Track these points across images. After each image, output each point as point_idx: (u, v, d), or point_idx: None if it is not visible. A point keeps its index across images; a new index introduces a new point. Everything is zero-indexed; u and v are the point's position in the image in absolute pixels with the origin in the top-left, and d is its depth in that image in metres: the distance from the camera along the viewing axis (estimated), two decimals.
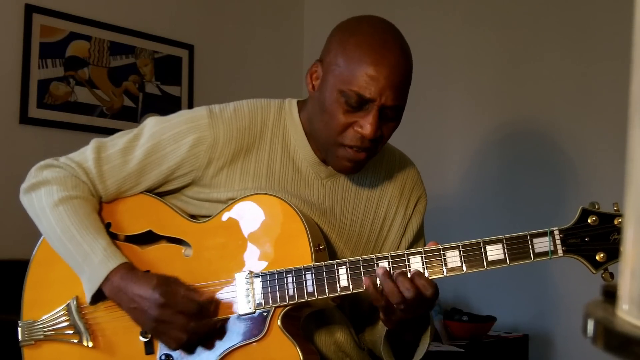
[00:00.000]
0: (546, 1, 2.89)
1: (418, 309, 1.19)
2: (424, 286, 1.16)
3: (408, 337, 1.30)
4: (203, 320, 1.24)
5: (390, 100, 1.23)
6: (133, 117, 3.09)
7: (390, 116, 1.26)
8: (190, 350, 1.28)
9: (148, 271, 1.32)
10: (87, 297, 1.30)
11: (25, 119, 2.76)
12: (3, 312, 1.78)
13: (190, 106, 3.22)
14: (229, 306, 1.28)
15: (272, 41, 3.62)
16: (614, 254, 1.16)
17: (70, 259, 1.31)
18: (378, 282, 1.18)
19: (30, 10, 2.79)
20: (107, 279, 1.26)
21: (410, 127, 3.14)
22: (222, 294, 1.28)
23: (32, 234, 1.39)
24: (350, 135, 1.26)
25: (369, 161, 1.33)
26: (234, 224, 1.30)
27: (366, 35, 1.25)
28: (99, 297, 1.29)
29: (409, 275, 1.18)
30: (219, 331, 1.27)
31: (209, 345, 1.27)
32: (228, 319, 1.28)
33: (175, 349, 1.26)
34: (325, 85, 1.27)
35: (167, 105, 3.17)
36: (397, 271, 1.18)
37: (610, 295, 0.50)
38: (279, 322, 1.24)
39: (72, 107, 2.90)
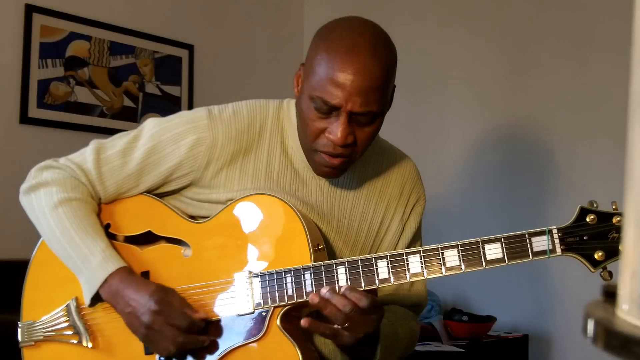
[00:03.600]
0: (546, 2, 2.89)
1: (361, 327, 1.17)
2: (358, 299, 1.16)
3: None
4: (192, 336, 1.24)
5: (357, 106, 1.20)
6: (133, 117, 3.09)
7: (363, 122, 1.23)
8: (189, 350, 1.28)
9: (147, 272, 1.32)
10: (86, 300, 1.30)
11: (25, 119, 2.76)
12: (3, 312, 1.78)
13: (190, 106, 3.22)
14: (229, 306, 1.28)
15: (272, 41, 3.62)
16: (612, 252, 1.16)
17: (68, 261, 1.31)
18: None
19: (30, 10, 2.79)
20: (105, 281, 1.27)
21: (409, 127, 3.15)
22: (222, 294, 1.28)
23: (32, 234, 1.39)
24: (322, 142, 1.25)
25: (349, 165, 1.31)
26: (233, 224, 1.30)
27: (335, 40, 1.22)
28: (97, 299, 1.30)
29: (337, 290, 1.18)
30: (219, 331, 1.27)
31: (209, 345, 1.27)
32: (227, 319, 1.27)
33: (165, 357, 1.26)
34: (302, 91, 1.27)
35: (167, 105, 3.17)
36: (327, 290, 1.18)
37: (610, 295, 0.50)
38: (278, 322, 1.24)
39: (72, 107, 2.90)
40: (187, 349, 1.25)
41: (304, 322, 1.17)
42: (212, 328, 1.28)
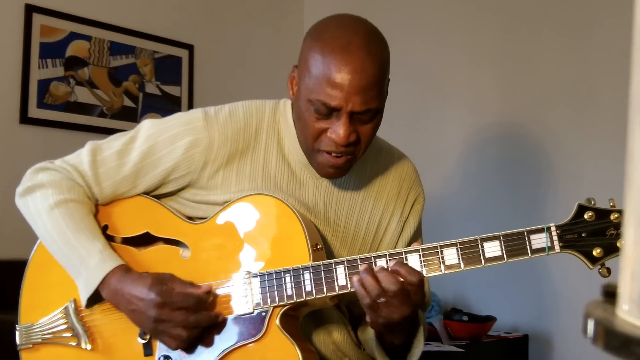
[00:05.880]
0: (546, 2, 2.89)
1: (402, 305, 1.15)
2: (409, 272, 1.15)
3: (397, 341, 1.26)
4: (203, 313, 1.24)
5: (358, 105, 1.20)
6: (133, 117, 3.09)
7: (364, 119, 1.23)
8: (189, 350, 1.27)
9: (146, 273, 1.32)
10: (83, 301, 1.29)
11: (25, 119, 2.76)
12: (2, 313, 1.78)
13: (190, 106, 3.22)
14: (228, 306, 1.27)
15: (272, 41, 3.62)
16: (610, 249, 1.16)
17: (66, 263, 1.31)
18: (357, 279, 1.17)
19: (30, 10, 2.79)
20: (104, 281, 1.26)
21: (408, 126, 3.15)
22: (221, 295, 1.28)
23: (31, 234, 1.39)
24: (325, 141, 1.24)
25: (353, 164, 1.30)
26: (231, 224, 1.30)
27: (329, 40, 1.21)
28: (95, 300, 1.29)
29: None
30: (218, 331, 1.27)
31: (208, 346, 1.27)
32: (227, 319, 1.27)
33: (177, 348, 1.26)
34: (298, 93, 1.26)
35: (167, 105, 3.17)
36: (378, 267, 1.17)
37: (610, 295, 0.50)
38: (277, 322, 1.24)
39: (72, 107, 2.90)
40: (201, 328, 1.24)
41: (362, 266, 1.17)
42: (212, 328, 1.27)
